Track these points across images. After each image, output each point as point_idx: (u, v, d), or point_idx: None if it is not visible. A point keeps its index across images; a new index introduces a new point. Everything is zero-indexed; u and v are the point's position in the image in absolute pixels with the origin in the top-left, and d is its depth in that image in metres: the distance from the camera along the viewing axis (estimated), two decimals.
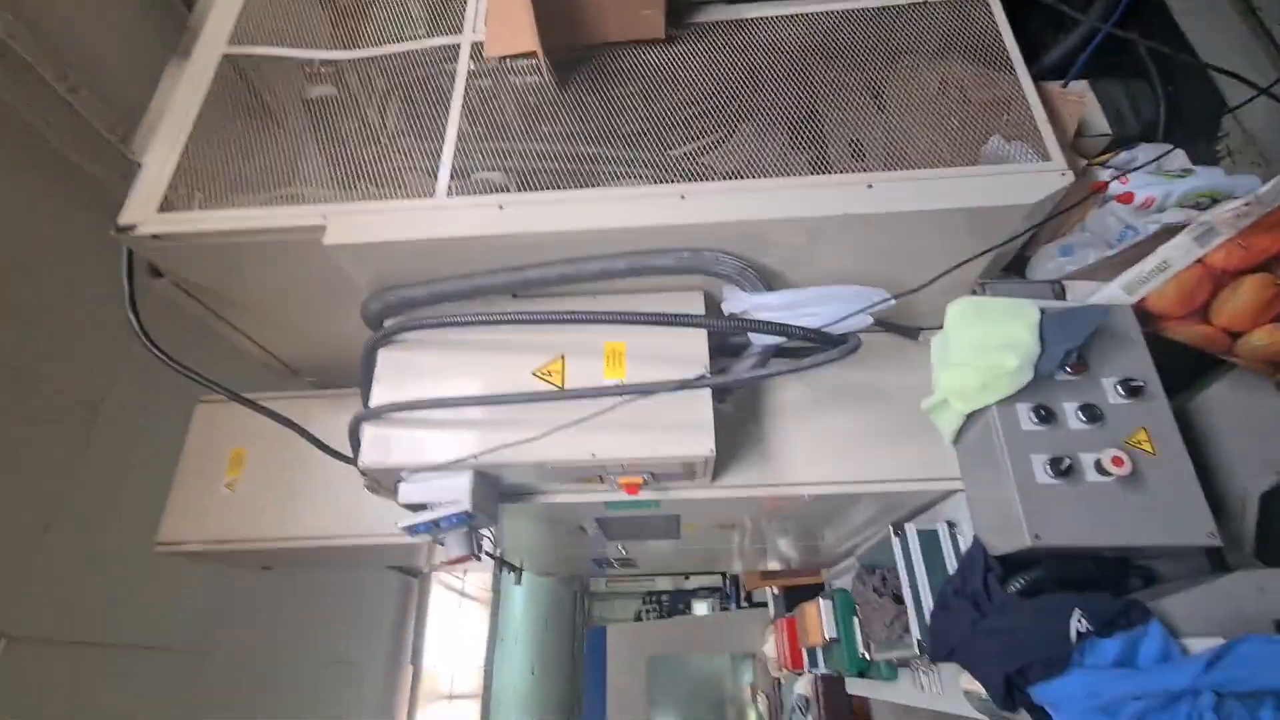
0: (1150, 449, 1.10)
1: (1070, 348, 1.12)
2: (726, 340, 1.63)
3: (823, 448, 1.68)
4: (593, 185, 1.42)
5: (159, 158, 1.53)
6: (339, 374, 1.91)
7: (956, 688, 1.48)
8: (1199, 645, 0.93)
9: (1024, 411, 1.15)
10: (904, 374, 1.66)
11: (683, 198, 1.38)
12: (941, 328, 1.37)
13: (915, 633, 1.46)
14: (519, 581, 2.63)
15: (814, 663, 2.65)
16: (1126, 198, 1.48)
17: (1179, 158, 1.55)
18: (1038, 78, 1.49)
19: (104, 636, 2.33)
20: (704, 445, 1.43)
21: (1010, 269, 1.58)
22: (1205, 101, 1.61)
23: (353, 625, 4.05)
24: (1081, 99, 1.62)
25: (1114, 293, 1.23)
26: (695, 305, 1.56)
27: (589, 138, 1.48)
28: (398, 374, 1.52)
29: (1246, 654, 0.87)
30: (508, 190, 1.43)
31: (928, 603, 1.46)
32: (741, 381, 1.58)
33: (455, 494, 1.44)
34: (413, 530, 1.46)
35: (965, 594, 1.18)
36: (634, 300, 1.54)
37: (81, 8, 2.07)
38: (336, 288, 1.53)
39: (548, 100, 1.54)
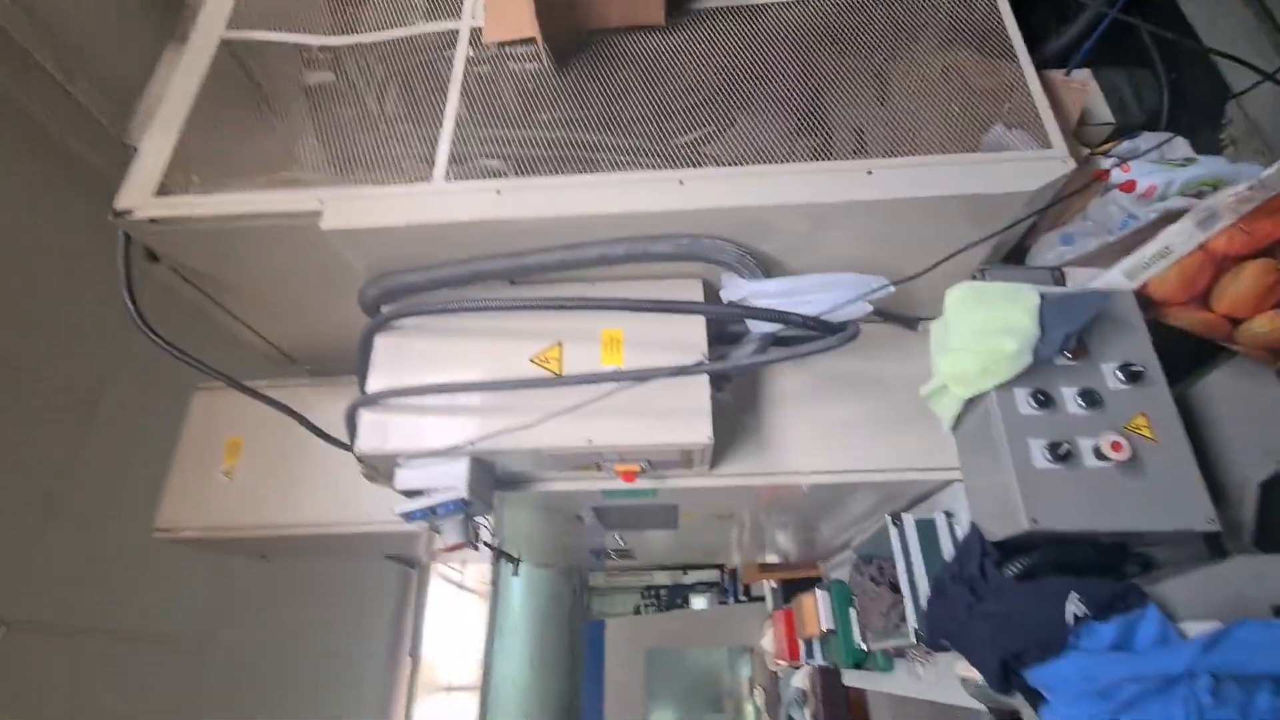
0: (1149, 434, 1.09)
1: (1070, 332, 1.12)
2: (725, 329, 1.62)
3: (821, 437, 1.67)
4: (592, 172, 1.41)
5: (156, 142, 1.52)
6: (337, 363, 1.90)
7: (952, 677, 1.48)
8: (1196, 630, 0.93)
9: (1022, 396, 1.15)
10: (903, 363, 1.66)
11: (681, 183, 1.37)
12: (941, 317, 1.36)
13: (912, 621, 1.46)
14: (516, 573, 2.63)
15: (811, 654, 2.65)
16: (1128, 186, 1.47)
17: (1182, 146, 1.54)
18: (1041, 66, 1.48)
19: (104, 624, 2.34)
20: (701, 432, 1.42)
21: (1011, 258, 1.57)
22: (1209, 88, 1.60)
23: (352, 617, 4.06)
24: (1084, 87, 1.61)
25: (1115, 278, 1.23)
26: (694, 293, 1.56)
27: (588, 125, 1.47)
28: (395, 360, 1.51)
29: (1244, 638, 0.86)
30: (506, 176, 1.43)
31: (924, 591, 1.46)
32: (739, 368, 1.58)
33: (452, 480, 1.44)
34: (409, 516, 1.46)
35: (962, 579, 1.18)
36: (632, 288, 1.53)
37: None
38: (334, 274, 1.53)
39: (547, 87, 1.54)
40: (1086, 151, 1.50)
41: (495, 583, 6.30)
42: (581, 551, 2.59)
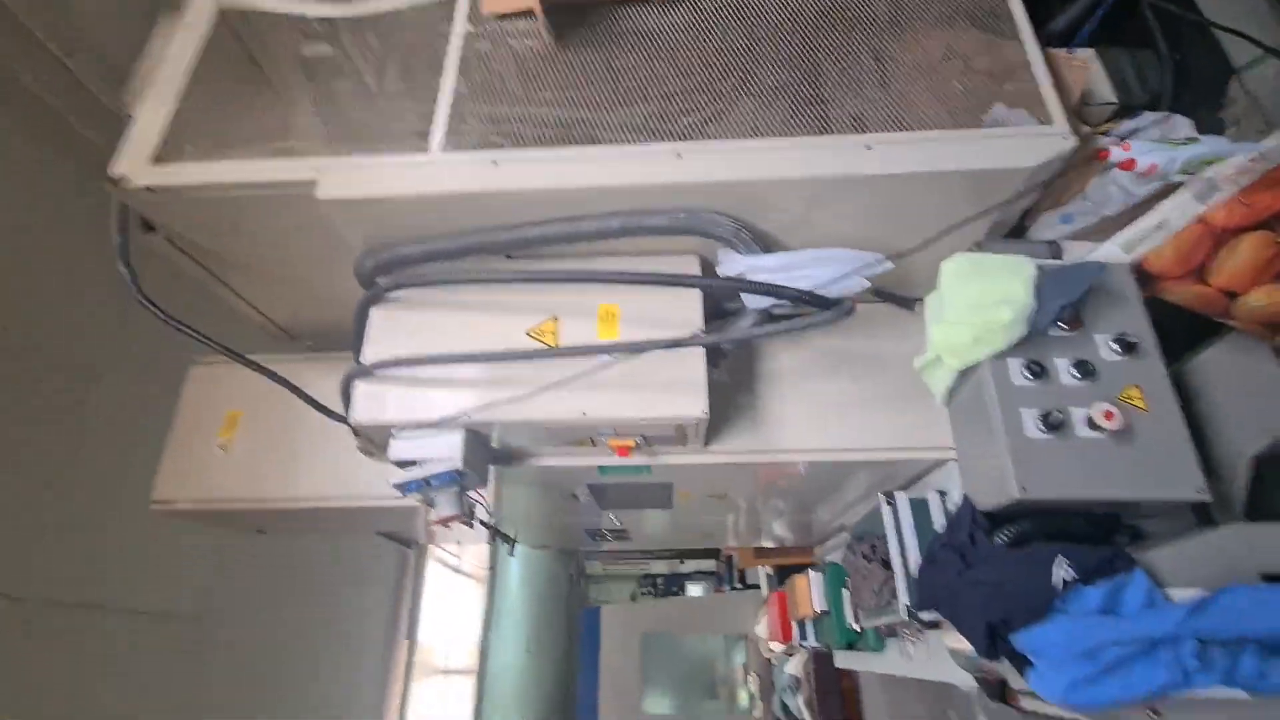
0: (1142, 405, 1.09)
1: (1065, 303, 1.12)
2: (721, 306, 1.62)
3: (817, 416, 1.67)
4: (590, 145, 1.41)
5: (152, 110, 1.51)
6: (335, 338, 1.90)
7: (943, 655, 1.49)
8: (1184, 596, 0.93)
9: (1016, 367, 1.15)
10: (900, 342, 1.65)
11: (679, 156, 1.37)
12: (935, 290, 1.36)
13: (903, 598, 1.47)
14: (512, 553, 2.64)
15: (804, 635, 2.67)
16: (1128, 165, 1.45)
17: (1184, 125, 1.53)
18: (1044, 44, 1.47)
19: (103, 600, 2.35)
20: (696, 406, 1.42)
21: (1009, 238, 1.56)
22: (1212, 64, 1.59)
23: (350, 598, 4.09)
24: (1086, 65, 1.60)
25: (1112, 250, 1.22)
26: (690, 268, 1.55)
27: (587, 103, 1.46)
28: (390, 332, 1.51)
29: (1230, 603, 0.87)
30: (503, 148, 1.42)
31: (916, 567, 1.46)
32: (733, 340, 1.57)
33: (447, 451, 1.44)
34: (404, 488, 1.47)
35: (952, 547, 1.19)
36: (628, 263, 1.53)
37: None
38: (331, 247, 1.52)
39: (545, 62, 1.52)
40: (1087, 130, 1.49)
41: (493, 567, 6.34)
42: (577, 531, 2.60)
